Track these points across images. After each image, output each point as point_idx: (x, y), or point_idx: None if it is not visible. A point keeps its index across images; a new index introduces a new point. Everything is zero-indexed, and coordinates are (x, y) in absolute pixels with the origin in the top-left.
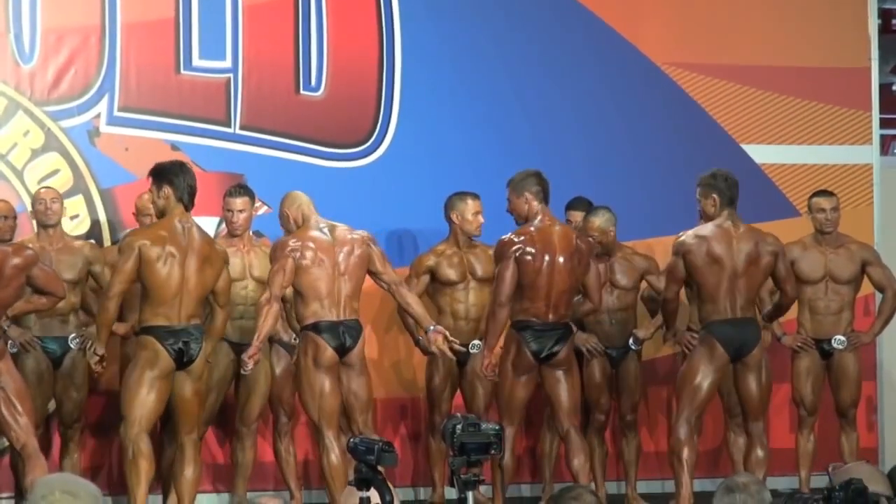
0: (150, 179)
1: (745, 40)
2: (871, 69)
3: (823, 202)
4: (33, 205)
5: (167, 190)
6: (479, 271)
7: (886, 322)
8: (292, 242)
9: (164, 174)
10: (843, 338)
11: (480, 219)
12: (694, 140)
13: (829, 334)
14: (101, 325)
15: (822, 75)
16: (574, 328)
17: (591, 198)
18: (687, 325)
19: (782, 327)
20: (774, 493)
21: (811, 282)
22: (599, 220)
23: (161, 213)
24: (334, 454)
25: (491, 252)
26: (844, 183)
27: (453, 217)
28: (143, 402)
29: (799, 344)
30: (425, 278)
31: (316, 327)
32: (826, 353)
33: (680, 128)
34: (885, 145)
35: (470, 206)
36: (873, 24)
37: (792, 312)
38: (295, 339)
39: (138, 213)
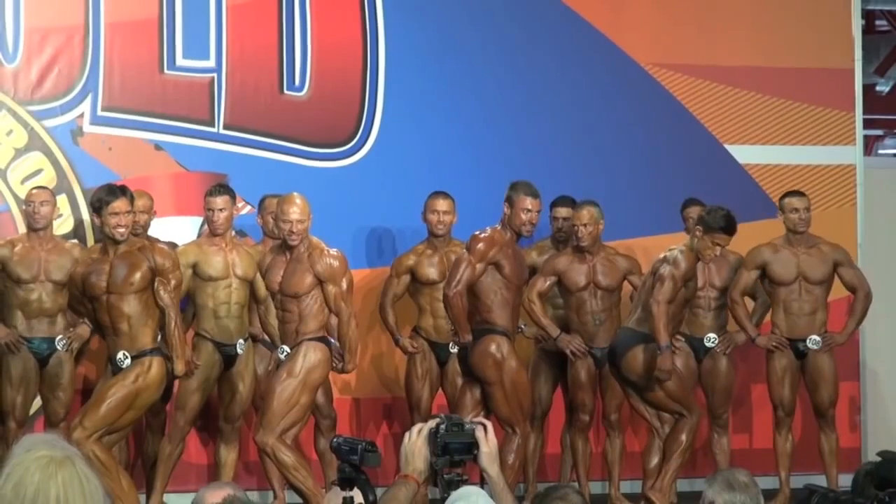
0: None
1: (729, 41)
2: (855, 70)
3: (797, 202)
4: (24, 205)
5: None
6: None
7: (859, 322)
8: None
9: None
10: (817, 338)
11: (442, 217)
12: (678, 140)
13: (803, 335)
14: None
15: (806, 76)
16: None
17: (574, 198)
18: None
19: (757, 329)
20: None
21: (784, 283)
22: (588, 211)
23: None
24: None
25: None
26: (827, 183)
27: (424, 216)
28: None
29: (774, 344)
30: (405, 278)
31: None
32: (801, 354)
33: (664, 128)
34: (869, 146)
35: (429, 204)
36: (857, 24)
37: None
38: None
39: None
